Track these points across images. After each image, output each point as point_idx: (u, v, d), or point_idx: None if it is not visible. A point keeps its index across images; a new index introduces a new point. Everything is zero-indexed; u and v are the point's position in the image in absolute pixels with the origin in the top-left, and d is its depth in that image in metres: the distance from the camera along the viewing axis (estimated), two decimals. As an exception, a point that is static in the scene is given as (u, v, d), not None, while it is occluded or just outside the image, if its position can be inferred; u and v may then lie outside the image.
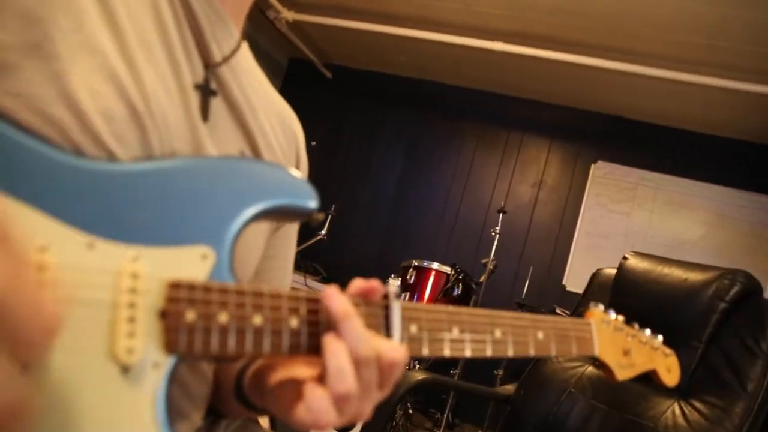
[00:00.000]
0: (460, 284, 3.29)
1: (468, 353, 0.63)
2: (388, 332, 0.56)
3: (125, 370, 0.45)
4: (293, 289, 0.70)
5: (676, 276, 1.80)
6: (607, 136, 4.44)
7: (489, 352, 0.65)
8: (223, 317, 0.48)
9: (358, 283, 0.57)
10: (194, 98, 0.61)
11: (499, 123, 4.69)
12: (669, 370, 0.99)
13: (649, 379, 1.71)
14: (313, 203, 0.57)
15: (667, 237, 4.20)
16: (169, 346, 0.46)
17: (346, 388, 0.50)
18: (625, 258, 1.98)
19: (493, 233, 3.55)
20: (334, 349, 0.50)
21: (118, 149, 0.52)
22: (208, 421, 0.73)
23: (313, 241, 3.83)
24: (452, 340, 0.62)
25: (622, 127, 4.42)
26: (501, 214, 3.57)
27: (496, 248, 3.51)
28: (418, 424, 3.71)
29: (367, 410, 0.53)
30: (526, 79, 4.29)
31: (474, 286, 3.38)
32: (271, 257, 0.77)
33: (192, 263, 0.50)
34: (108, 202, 0.47)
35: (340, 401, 0.50)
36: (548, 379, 1.90)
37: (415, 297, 3.30)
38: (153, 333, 0.46)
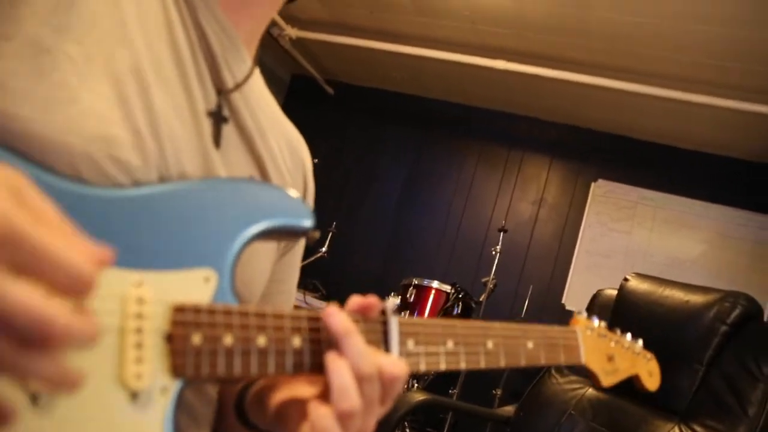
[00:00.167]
0: (460, 303, 3.28)
1: (463, 365, 0.63)
2: (386, 347, 0.57)
3: (134, 396, 0.45)
4: (294, 307, 0.70)
5: (677, 298, 1.80)
6: (608, 155, 4.45)
7: (482, 364, 0.66)
8: (228, 339, 0.48)
9: (356, 300, 0.58)
10: (207, 125, 0.62)
11: (500, 140, 4.71)
12: (651, 374, 1.00)
13: (649, 401, 1.71)
14: (308, 222, 0.58)
15: (667, 256, 4.20)
16: (176, 370, 0.46)
17: (350, 405, 0.50)
18: (626, 279, 1.98)
19: (493, 252, 3.55)
20: (337, 367, 0.50)
21: (121, 176, 0.52)
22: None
23: (313, 258, 3.83)
24: (447, 353, 0.62)
25: (623, 145, 4.44)
26: (502, 233, 3.57)
27: (496, 267, 3.51)
28: (417, 443, 3.69)
29: (370, 426, 0.53)
30: (528, 97, 4.31)
31: (474, 305, 3.38)
32: (278, 281, 0.78)
33: (195, 286, 0.50)
34: (110, 228, 0.47)
35: (344, 418, 0.50)
36: (548, 401, 1.89)
37: (415, 315, 3.29)
38: (160, 357, 0.46)
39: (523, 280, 4.37)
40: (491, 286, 3.41)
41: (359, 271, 4.66)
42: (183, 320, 0.47)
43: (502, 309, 4.25)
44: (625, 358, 0.94)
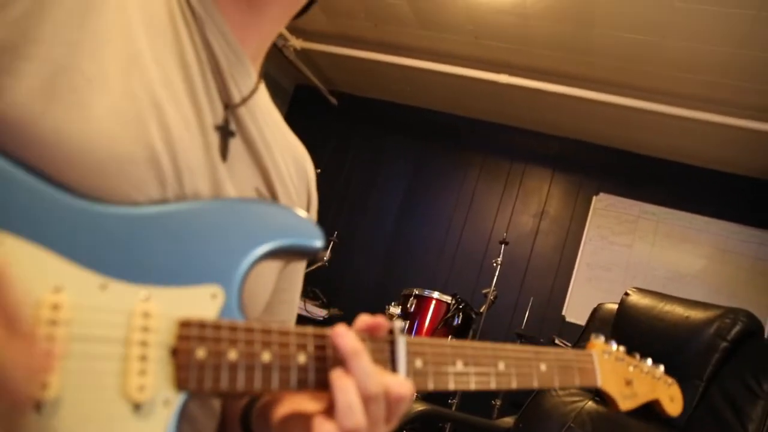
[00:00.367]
0: (461, 314, 3.28)
1: (473, 386, 0.63)
2: (393, 367, 0.57)
3: (137, 407, 0.45)
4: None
5: (678, 313, 1.80)
6: (609, 169, 4.47)
7: (493, 385, 0.66)
8: (232, 354, 0.49)
9: (364, 319, 0.58)
10: (214, 139, 0.63)
11: (502, 153, 4.73)
12: (672, 399, 0.99)
13: (650, 416, 1.71)
14: (319, 243, 0.59)
15: (668, 270, 4.20)
16: (180, 383, 0.47)
17: (354, 423, 0.50)
18: (626, 294, 1.99)
19: (494, 264, 3.56)
20: (343, 385, 0.51)
21: (135, 193, 0.52)
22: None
23: (314, 266, 3.83)
24: (456, 374, 0.62)
25: (624, 159, 4.45)
26: (503, 246, 3.57)
27: (497, 278, 3.51)
28: (415, 455, 3.67)
29: None
30: (530, 110, 4.33)
31: (474, 315, 3.38)
32: (282, 290, 0.78)
33: (202, 302, 0.51)
34: (121, 245, 0.48)
35: None
36: (547, 414, 1.89)
37: (416, 325, 3.29)
38: (164, 370, 0.47)
39: (524, 291, 4.37)
40: (492, 297, 3.41)
41: (359, 280, 4.67)
42: (188, 335, 0.48)
43: (503, 320, 4.25)
44: (644, 383, 0.93)
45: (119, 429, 0.45)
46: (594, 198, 4.46)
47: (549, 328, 4.13)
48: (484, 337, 3.41)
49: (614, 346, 0.89)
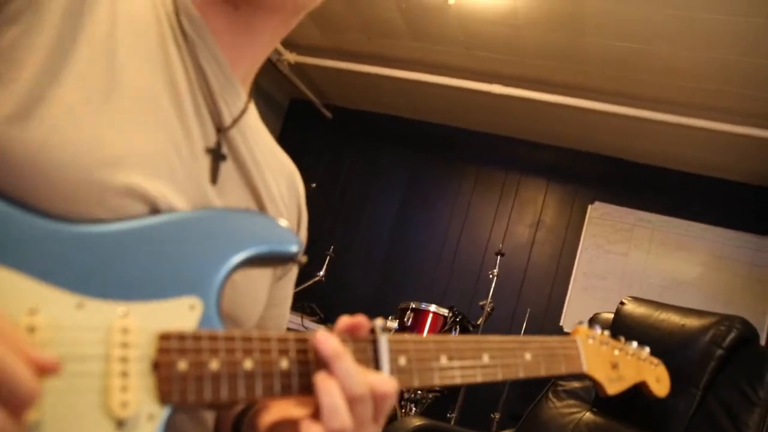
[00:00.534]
0: (458, 326, 3.27)
1: (458, 380, 0.63)
2: (377, 366, 0.57)
3: (120, 424, 0.45)
4: (288, 330, 0.70)
5: (673, 322, 1.80)
6: (604, 178, 4.48)
7: (479, 378, 0.66)
8: (214, 364, 0.49)
9: (344, 320, 0.58)
10: (205, 162, 0.63)
11: (497, 164, 4.74)
12: (658, 380, 0.98)
13: (646, 425, 1.70)
14: (294, 248, 0.59)
15: (664, 277, 4.20)
16: (163, 397, 0.47)
17: (340, 424, 0.50)
18: (622, 303, 1.99)
19: (491, 276, 3.55)
20: (327, 387, 0.51)
21: (109, 215, 0.52)
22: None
23: (311, 282, 3.82)
24: (441, 369, 0.62)
25: (619, 168, 4.46)
26: (499, 257, 3.57)
27: (493, 290, 3.51)
28: (415, 469, 3.64)
29: None
30: (524, 120, 4.34)
31: (471, 328, 3.37)
32: (273, 305, 0.79)
33: (180, 314, 0.51)
34: (95, 262, 0.48)
35: None
36: (545, 426, 1.88)
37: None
38: (146, 385, 0.46)
39: (521, 302, 4.36)
40: (489, 309, 3.40)
41: (356, 295, 4.66)
42: (168, 347, 0.47)
43: (500, 332, 4.20)
44: (630, 366, 0.93)
45: None
46: (589, 207, 4.47)
47: (547, 339, 4.11)
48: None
49: (598, 330, 0.89)
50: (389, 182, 4.94)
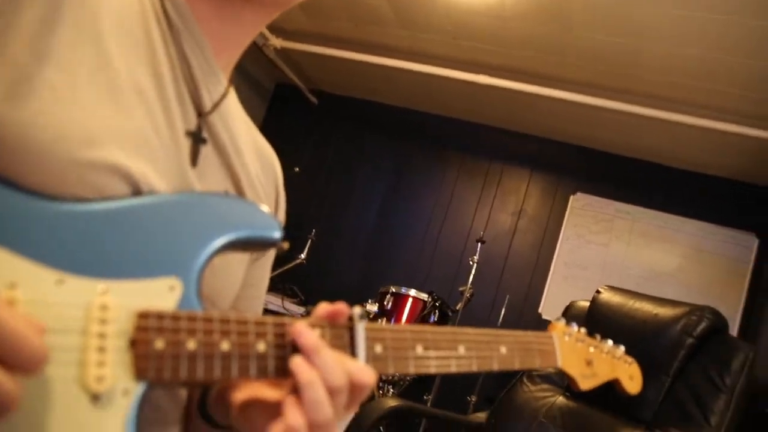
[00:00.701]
0: (437, 311, 3.31)
1: (433, 370, 0.65)
2: (353, 352, 0.58)
3: (95, 398, 0.46)
4: (268, 311, 0.72)
5: (647, 311, 1.85)
6: (587, 169, 4.52)
7: (453, 369, 0.67)
8: (191, 344, 0.50)
9: (323, 307, 0.60)
10: (185, 144, 0.64)
11: (480, 153, 4.76)
12: (631, 377, 1.01)
13: (617, 410, 1.75)
14: (277, 234, 0.60)
15: (644, 269, 4.26)
16: (139, 373, 0.48)
17: (324, 417, 0.52)
18: (598, 292, 2.03)
19: (471, 262, 3.59)
20: (310, 380, 0.52)
21: (94, 195, 0.53)
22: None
23: (292, 264, 3.84)
24: (417, 358, 0.63)
25: (602, 160, 4.51)
26: (480, 244, 3.60)
27: (473, 276, 3.54)
28: (393, 451, 3.69)
29: (336, 431, 0.55)
30: (509, 111, 4.37)
31: (450, 313, 3.41)
32: (250, 285, 0.80)
33: (160, 294, 0.52)
34: (76, 240, 0.49)
35: (316, 428, 0.52)
36: (519, 409, 1.92)
37: (392, 322, 3.31)
38: (123, 361, 0.48)
39: (501, 289, 4.41)
40: (468, 295, 3.44)
41: (338, 278, 4.68)
42: (146, 326, 0.49)
43: (479, 318, 4.29)
44: (604, 363, 0.95)
45: (78, 419, 0.45)
46: (571, 197, 4.51)
47: (526, 326, 4.15)
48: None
49: (575, 327, 0.91)
50: (374, 168, 4.95)
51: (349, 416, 0.57)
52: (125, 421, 0.48)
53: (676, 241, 4.24)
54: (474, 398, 3.62)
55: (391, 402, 1.84)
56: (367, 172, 4.96)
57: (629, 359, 1.02)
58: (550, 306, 4.33)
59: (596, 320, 1.95)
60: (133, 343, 0.48)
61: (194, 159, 0.65)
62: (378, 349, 0.60)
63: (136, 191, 0.56)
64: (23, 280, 0.45)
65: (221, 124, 0.69)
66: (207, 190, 0.66)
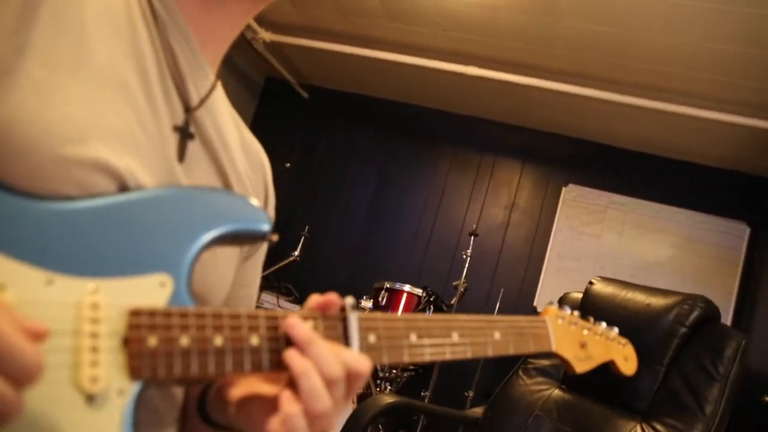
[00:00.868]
0: (432, 306, 3.31)
1: (427, 358, 0.64)
2: (347, 343, 0.58)
3: (90, 398, 0.46)
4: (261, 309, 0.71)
5: (639, 301, 1.85)
6: (578, 160, 4.53)
7: (448, 356, 0.67)
8: (184, 340, 0.49)
9: (315, 298, 0.59)
10: (172, 140, 0.63)
11: (472, 145, 4.76)
12: (626, 359, 1.01)
13: (614, 401, 1.75)
14: (266, 226, 0.60)
15: (636, 259, 4.28)
16: (133, 372, 0.47)
17: (322, 407, 0.52)
18: (591, 283, 2.03)
19: (464, 256, 3.59)
20: (305, 370, 0.52)
21: (78, 192, 0.52)
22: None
23: (286, 261, 3.83)
24: (411, 346, 0.63)
25: (593, 151, 4.51)
26: (473, 237, 3.61)
27: (467, 270, 3.55)
28: (389, 446, 3.70)
29: (335, 422, 0.55)
30: (500, 102, 4.36)
31: (445, 308, 3.41)
32: (242, 286, 0.79)
33: (151, 291, 0.51)
34: (64, 239, 0.48)
35: (314, 418, 0.52)
36: (515, 403, 1.92)
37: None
38: (116, 361, 0.47)
39: (495, 283, 4.41)
40: (462, 289, 3.44)
41: (332, 275, 4.67)
42: (138, 323, 0.48)
43: (474, 312, 4.27)
44: (598, 345, 0.95)
45: (73, 421, 0.45)
46: (563, 189, 4.52)
47: (520, 318, 4.17)
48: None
49: (568, 310, 0.91)
50: (365, 162, 4.94)
51: (348, 406, 0.57)
52: (121, 421, 0.47)
53: (669, 231, 4.26)
54: (471, 393, 3.63)
55: (389, 398, 1.84)
56: (358, 166, 4.95)
57: (623, 340, 1.02)
58: (544, 298, 4.34)
59: (589, 311, 1.94)
60: (126, 342, 0.47)
61: (181, 154, 0.64)
62: (372, 338, 0.60)
63: (123, 187, 0.55)
64: (12, 281, 0.45)
65: (209, 119, 0.69)
66: (194, 184, 0.66)
